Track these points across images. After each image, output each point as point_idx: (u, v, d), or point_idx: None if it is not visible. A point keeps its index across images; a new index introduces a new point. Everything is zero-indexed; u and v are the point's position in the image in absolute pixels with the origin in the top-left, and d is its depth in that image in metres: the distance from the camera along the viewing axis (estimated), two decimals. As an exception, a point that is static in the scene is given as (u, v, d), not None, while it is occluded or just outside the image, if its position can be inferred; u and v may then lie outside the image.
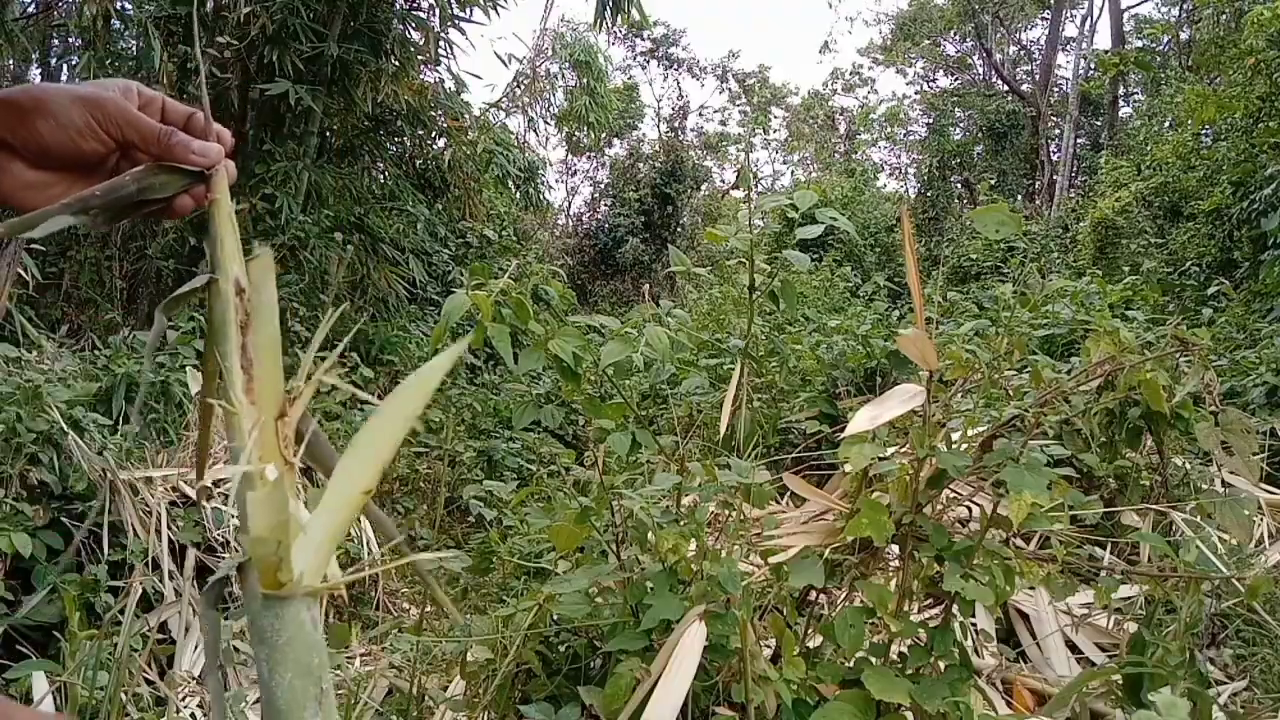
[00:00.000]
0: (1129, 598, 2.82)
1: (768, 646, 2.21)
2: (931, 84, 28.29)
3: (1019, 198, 21.45)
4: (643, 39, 26.74)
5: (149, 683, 2.72)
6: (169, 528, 3.50)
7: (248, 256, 0.69)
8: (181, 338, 4.99)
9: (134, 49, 7.86)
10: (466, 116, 9.73)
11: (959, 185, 24.18)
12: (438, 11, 8.90)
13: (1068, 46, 24.61)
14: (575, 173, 24.81)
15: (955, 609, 1.93)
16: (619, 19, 9.91)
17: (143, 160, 0.71)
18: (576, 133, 19.93)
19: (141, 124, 0.69)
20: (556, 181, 23.57)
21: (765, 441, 4.61)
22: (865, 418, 1.98)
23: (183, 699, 2.84)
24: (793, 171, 31.46)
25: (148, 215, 0.73)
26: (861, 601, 1.99)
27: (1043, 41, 25.39)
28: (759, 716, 1.86)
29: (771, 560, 2.11)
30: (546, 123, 18.76)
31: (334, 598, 3.89)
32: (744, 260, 2.47)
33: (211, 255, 0.69)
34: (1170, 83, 14.93)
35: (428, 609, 3.29)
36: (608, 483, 2.23)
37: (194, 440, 4.24)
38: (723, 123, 30.34)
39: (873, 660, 1.93)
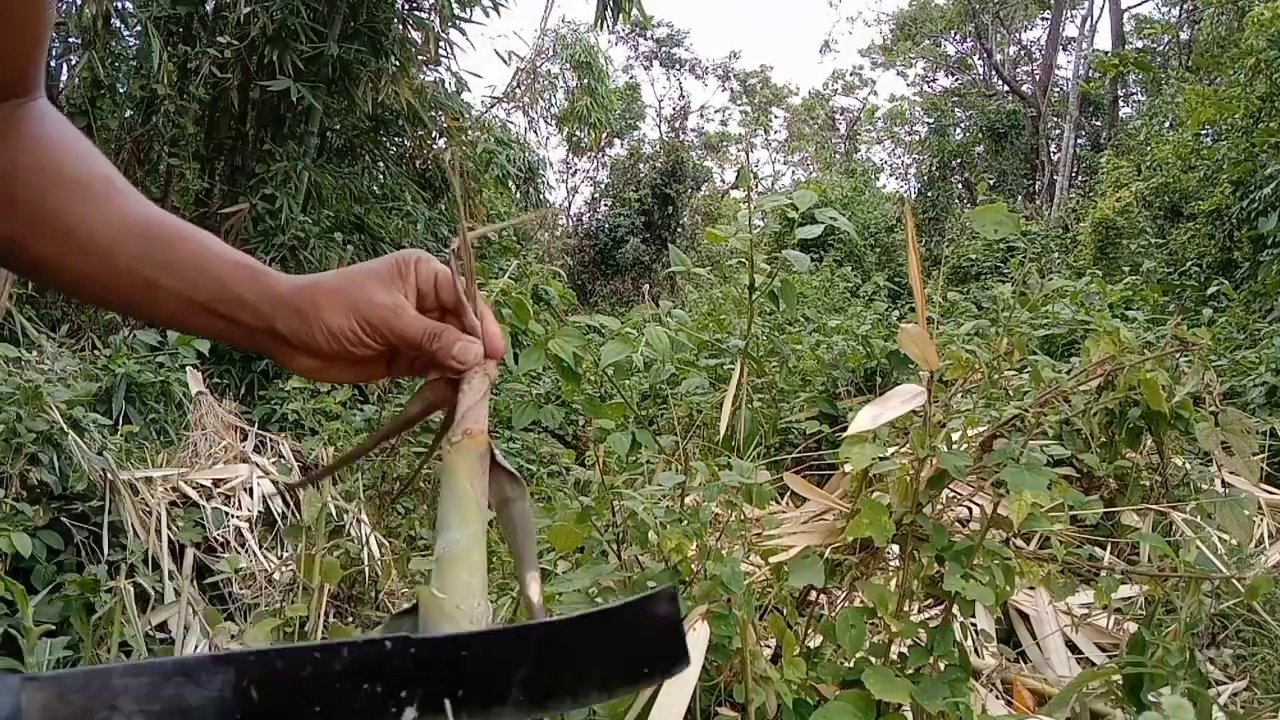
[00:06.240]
0: (1129, 598, 2.82)
1: (768, 646, 2.20)
2: (932, 84, 28.30)
3: (1019, 198, 21.45)
4: (645, 39, 26.74)
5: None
6: (169, 528, 3.50)
7: None
8: (181, 338, 4.99)
9: (134, 49, 7.86)
10: (466, 116, 9.73)
11: (959, 185, 24.20)
12: (438, 11, 8.90)
13: (1068, 46, 24.61)
14: (575, 172, 24.81)
15: (955, 609, 1.93)
16: (619, 19, 9.91)
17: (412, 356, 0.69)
18: (577, 133, 19.94)
19: (406, 330, 0.67)
20: (557, 181, 23.58)
21: (765, 441, 4.61)
22: (866, 418, 1.98)
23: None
24: (793, 172, 31.48)
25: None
26: (862, 601, 1.99)
27: (1043, 41, 25.40)
28: (760, 716, 1.86)
29: (772, 560, 2.11)
30: (547, 122, 18.79)
31: (334, 598, 3.89)
32: (744, 260, 2.47)
33: (441, 513, 0.59)
34: (1170, 83, 14.93)
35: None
36: (608, 483, 2.23)
37: (194, 440, 4.24)
38: (723, 123, 30.37)
39: (873, 660, 1.92)
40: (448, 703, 0.45)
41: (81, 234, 0.66)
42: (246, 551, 3.70)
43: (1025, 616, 2.93)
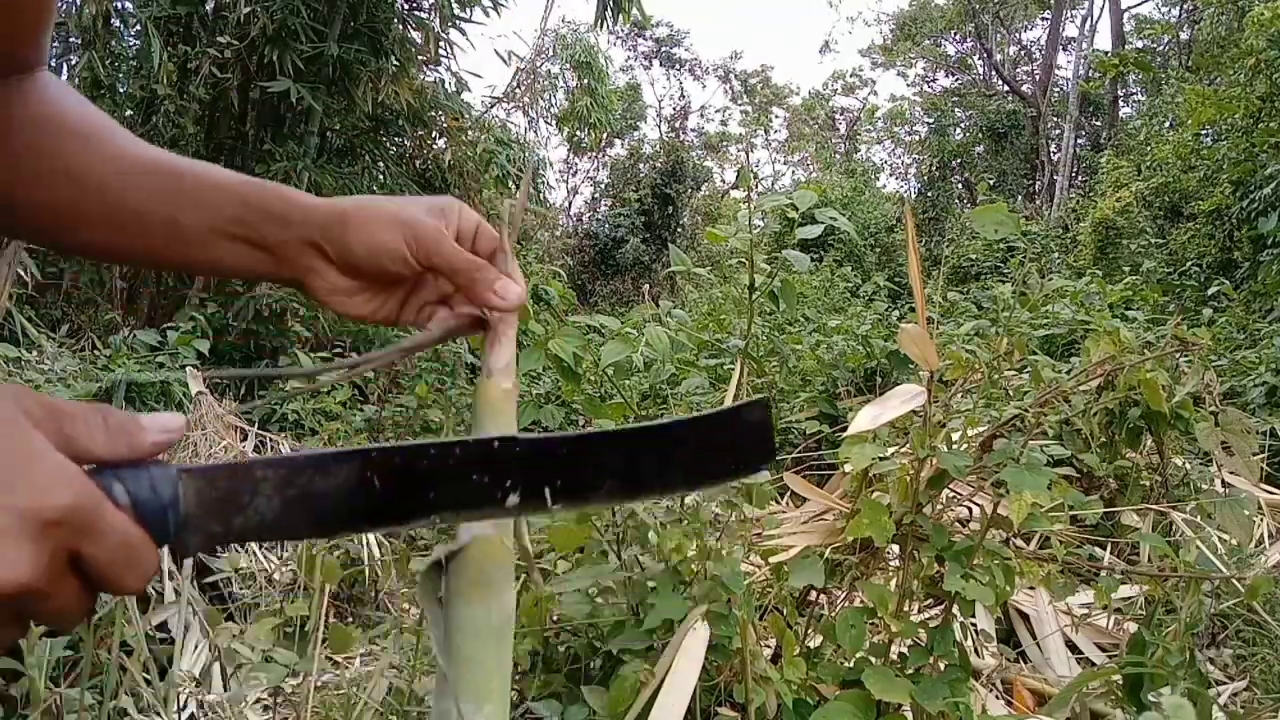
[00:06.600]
0: (1129, 598, 2.82)
1: (768, 646, 2.20)
2: (932, 84, 28.31)
3: (1019, 198, 21.47)
4: (645, 39, 26.76)
5: (148, 683, 2.72)
6: (169, 528, 3.49)
7: None
8: (181, 338, 5.00)
9: (134, 49, 7.86)
10: (467, 116, 9.73)
11: (959, 185, 24.21)
12: (438, 11, 8.90)
13: (1068, 46, 24.62)
14: (576, 172, 24.83)
15: (955, 609, 1.93)
16: (619, 19, 9.91)
17: (440, 284, 0.70)
18: (577, 133, 19.95)
19: (452, 256, 0.68)
20: (557, 181, 23.60)
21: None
22: (866, 418, 1.98)
23: (183, 700, 2.84)
24: (793, 172, 31.50)
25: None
26: (861, 601, 1.99)
27: (1043, 41, 25.41)
28: (760, 716, 1.86)
29: (772, 560, 2.11)
30: (547, 123, 18.80)
31: (334, 597, 3.89)
32: (744, 260, 2.47)
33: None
34: (1170, 83, 14.94)
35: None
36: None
37: (194, 440, 4.24)
38: (723, 123, 30.39)
39: (873, 660, 1.92)
40: (547, 490, 0.50)
41: (89, 178, 0.66)
42: (247, 551, 3.70)
43: (1025, 616, 2.93)
